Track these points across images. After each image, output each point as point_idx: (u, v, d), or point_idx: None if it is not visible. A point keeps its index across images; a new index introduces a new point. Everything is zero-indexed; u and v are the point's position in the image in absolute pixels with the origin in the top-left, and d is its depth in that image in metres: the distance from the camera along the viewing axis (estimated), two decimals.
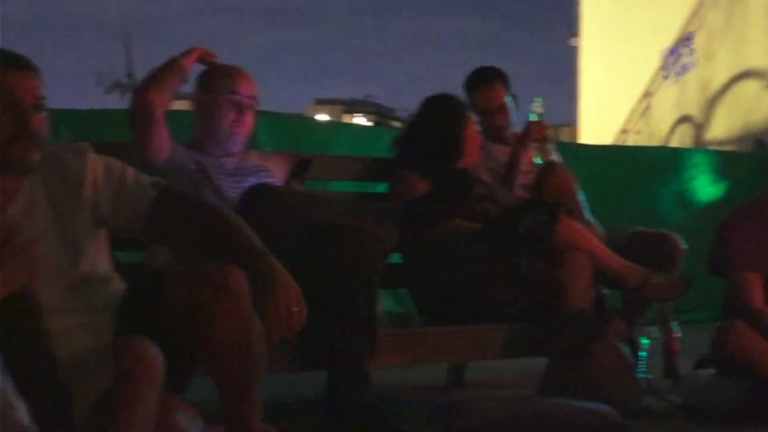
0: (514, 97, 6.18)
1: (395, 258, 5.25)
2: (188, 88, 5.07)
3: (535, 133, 6.02)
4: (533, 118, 6.06)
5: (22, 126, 3.27)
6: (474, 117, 5.77)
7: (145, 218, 3.44)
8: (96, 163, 3.45)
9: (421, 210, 5.01)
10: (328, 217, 4.55)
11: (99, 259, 3.47)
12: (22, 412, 0.54)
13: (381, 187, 5.78)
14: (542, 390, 5.06)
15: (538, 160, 5.99)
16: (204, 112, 4.98)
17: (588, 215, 5.89)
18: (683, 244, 6.00)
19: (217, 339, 3.31)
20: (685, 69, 21.57)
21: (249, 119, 4.99)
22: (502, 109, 6.12)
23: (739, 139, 19.13)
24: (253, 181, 4.82)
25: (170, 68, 4.86)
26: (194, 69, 4.94)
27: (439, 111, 5.56)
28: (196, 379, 3.56)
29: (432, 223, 5.09)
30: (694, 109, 21.16)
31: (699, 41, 21.10)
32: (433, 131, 5.49)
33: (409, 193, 5.28)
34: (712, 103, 20.60)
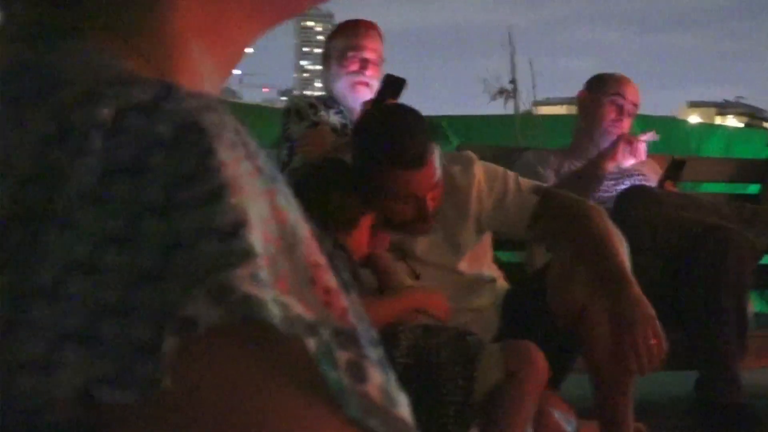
0: None
1: (766, 259, 5.05)
2: (568, 92, 5.05)
3: None
4: None
5: (420, 213, 3.38)
6: None
7: (526, 223, 3.44)
8: (480, 174, 3.49)
9: None
10: (701, 218, 4.42)
11: (483, 262, 3.54)
12: (403, 407, 0.53)
13: (753, 189, 5.58)
14: None
15: None
16: (586, 110, 4.93)
17: None
18: None
19: (594, 338, 3.28)
20: None
21: (626, 124, 4.91)
22: None
23: None
24: (628, 183, 4.74)
25: None
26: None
27: None
28: (571, 376, 3.54)
29: None
30: None
31: None
32: None
33: None
34: None
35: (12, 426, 0.54)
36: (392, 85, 4.16)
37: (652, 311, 3.21)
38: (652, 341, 3.19)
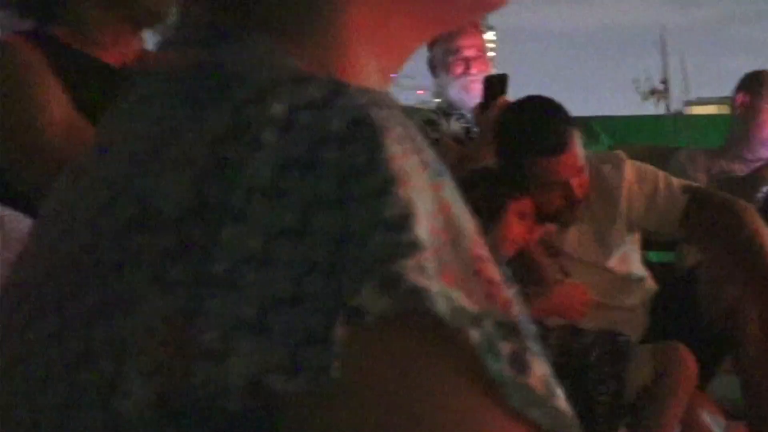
0: None
1: None
2: (721, 91, 4.94)
3: None
4: None
5: (568, 200, 3.38)
6: None
7: (677, 222, 3.40)
8: (630, 174, 3.46)
9: None
10: None
11: (632, 261, 3.50)
12: (561, 398, 0.54)
13: None
14: None
15: None
16: (744, 114, 4.79)
17: None
18: None
19: (744, 338, 3.23)
20: None
21: None
22: None
23: None
24: None
25: None
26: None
27: None
28: (719, 376, 3.49)
29: None
30: None
31: None
32: None
33: None
34: None
35: (187, 412, 0.56)
36: (495, 84, 4.13)
37: None
38: None
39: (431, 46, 4.64)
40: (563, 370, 3.03)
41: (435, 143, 4.34)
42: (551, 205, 3.37)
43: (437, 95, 4.77)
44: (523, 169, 3.35)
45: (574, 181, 3.36)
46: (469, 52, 4.57)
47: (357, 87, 0.61)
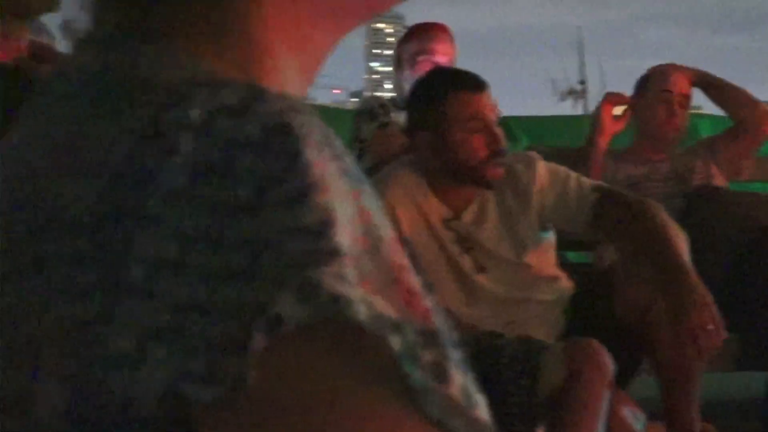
0: None
1: None
2: None
3: None
4: None
5: (495, 145, 3.38)
6: None
7: (587, 220, 3.43)
8: (542, 171, 3.49)
9: None
10: (764, 217, 4.36)
11: (546, 259, 3.52)
12: (482, 408, 0.53)
13: None
14: None
15: None
16: (638, 113, 4.83)
17: None
18: None
19: (658, 337, 3.27)
20: None
21: (680, 118, 4.76)
22: None
23: None
24: (692, 182, 4.63)
25: None
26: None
27: None
28: (639, 377, 3.52)
29: None
30: None
31: None
32: None
33: None
34: None
35: (102, 421, 0.55)
36: None
37: (709, 298, 3.17)
38: (710, 326, 3.16)
39: (403, 41, 4.77)
40: (479, 373, 3.04)
41: (384, 126, 4.46)
42: (476, 151, 3.37)
43: (396, 92, 4.79)
44: (444, 109, 3.37)
45: (498, 130, 3.39)
46: (440, 58, 4.62)
47: (275, 92, 0.61)
